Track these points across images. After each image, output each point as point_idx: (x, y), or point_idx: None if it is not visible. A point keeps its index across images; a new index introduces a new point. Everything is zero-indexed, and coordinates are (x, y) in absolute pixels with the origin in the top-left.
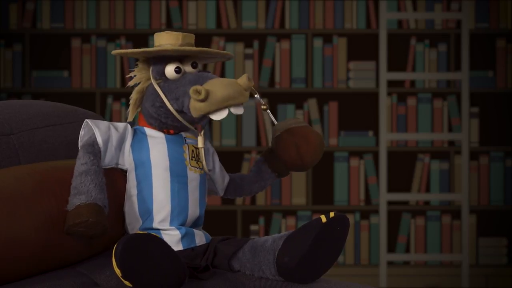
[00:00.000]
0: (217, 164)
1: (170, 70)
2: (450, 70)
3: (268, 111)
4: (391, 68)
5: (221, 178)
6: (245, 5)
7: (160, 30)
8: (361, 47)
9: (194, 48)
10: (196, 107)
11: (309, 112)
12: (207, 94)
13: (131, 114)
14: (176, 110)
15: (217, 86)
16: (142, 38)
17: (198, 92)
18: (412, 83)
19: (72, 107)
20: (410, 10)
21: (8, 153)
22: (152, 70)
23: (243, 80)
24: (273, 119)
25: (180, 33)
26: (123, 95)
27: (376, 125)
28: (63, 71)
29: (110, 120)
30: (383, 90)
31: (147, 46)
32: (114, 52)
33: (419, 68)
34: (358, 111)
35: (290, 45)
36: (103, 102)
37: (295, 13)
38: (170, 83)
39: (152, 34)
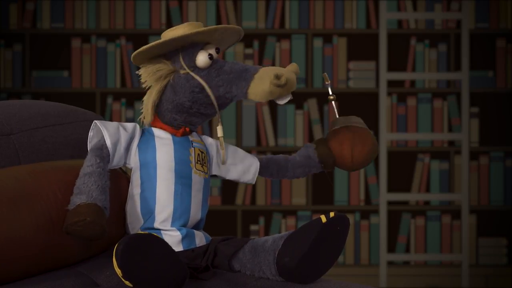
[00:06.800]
0: (229, 159)
1: (203, 57)
2: (450, 70)
3: (333, 103)
4: (391, 68)
5: (242, 172)
6: (245, 5)
7: (160, 30)
8: (361, 47)
9: (229, 26)
10: (271, 91)
11: (309, 112)
12: (287, 80)
13: (150, 117)
14: (215, 97)
15: (287, 72)
16: (142, 38)
17: (278, 78)
18: (412, 83)
19: (72, 107)
20: (410, 10)
21: (8, 153)
22: (181, 61)
23: (294, 67)
24: (337, 111)
25: (197, 22)
26: (123, 95)
27: (376, 125)
28: (63, 71)
29: (110, 120)
30: (383, 90)
31: None
32: (135, 53)
33: (419, 68)
34: (358, 111)
35: (290, 45)
36: (103, 102)
37: (295, 13)
38: (208, 70)
39: (152, 34)
